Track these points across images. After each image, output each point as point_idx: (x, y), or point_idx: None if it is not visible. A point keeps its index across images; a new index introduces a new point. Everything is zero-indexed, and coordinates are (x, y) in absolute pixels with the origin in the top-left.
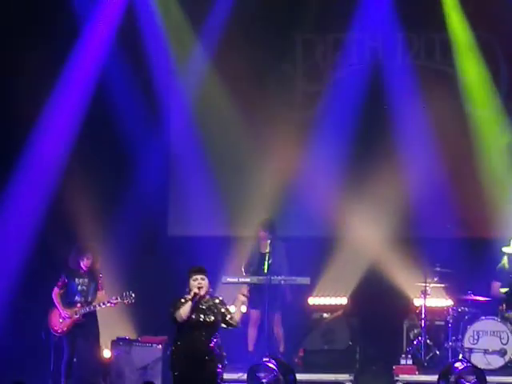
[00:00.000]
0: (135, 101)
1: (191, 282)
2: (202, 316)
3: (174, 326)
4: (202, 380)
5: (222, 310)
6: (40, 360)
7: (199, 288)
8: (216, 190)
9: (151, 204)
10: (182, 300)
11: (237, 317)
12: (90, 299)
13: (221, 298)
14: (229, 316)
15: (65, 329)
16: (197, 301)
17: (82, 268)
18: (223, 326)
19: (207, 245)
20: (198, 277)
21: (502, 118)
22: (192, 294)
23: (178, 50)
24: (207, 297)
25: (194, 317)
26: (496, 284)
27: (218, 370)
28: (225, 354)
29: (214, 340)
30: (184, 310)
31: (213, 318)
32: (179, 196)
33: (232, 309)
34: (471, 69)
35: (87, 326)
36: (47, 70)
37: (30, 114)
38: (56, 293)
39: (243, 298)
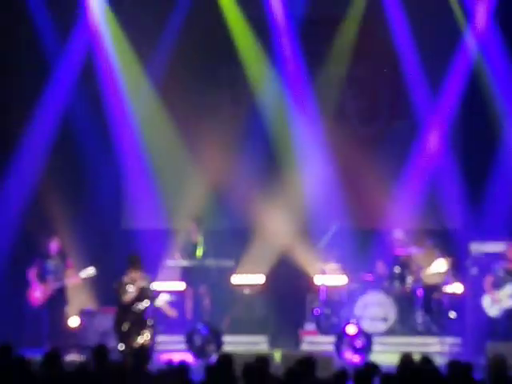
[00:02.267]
0: (94, 124)
1: (132, 275)
2: (138, 304)
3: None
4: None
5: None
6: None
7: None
8: (159, 192)
9: (110, 204)
10: (119, 286)
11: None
12: (60, 276)
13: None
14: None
15: (41, 301)
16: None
17: (52, 251)
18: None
19: (152, 235)
20: (131, 271)
21: (384, 135)
22: (136, 289)
23: (130, 81)
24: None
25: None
26: (380, 263)
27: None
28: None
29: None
30: (126, 300)
31: (145, 305)
32: (130, 197)
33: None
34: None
35: (59, 299)
36: (24, 99)
37: (14, 135)
38: (32, 272)
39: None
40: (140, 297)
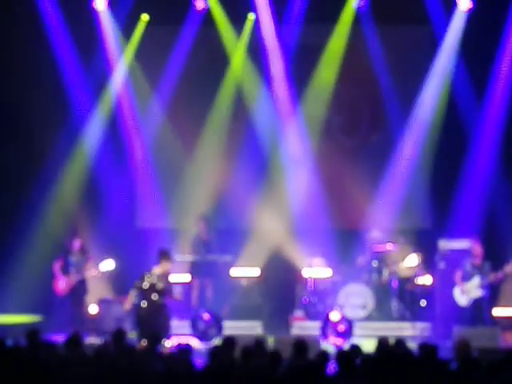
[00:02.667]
0: (109, 139)
1: (164, 263)
2: (156, 295)
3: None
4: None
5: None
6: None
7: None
8: (168, 198)
9: (126, 208)
10: (146, 274)
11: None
12: (81, 270)
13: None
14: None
15: (65, 291)
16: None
17: (74, 248)
18: None
19: (163, 233)
20: (167, 266)
21: (364, 146)
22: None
23: (141, 103)
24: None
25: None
26: (360, 258)
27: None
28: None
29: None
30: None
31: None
32: (143, 201)
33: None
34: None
35: (80, 289)
36: (48, 117)
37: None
38: (57, 266)
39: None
40: (163, 289)
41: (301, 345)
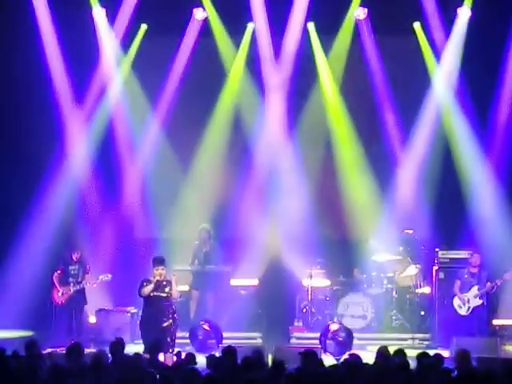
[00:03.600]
0: (108, 151)
1: (154, 270)
2: (160, 293)
3: (141, 300)
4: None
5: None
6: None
7: (160, 276)
8: (166, 208)
9: (128, 221)
10: (145, 283)
11: (174, 293)
12: (79, 280)
13: (171, 280)
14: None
15: (63, 301)
16: (158, 284)
17: (73, 259)
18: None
19: (161, 244)
20: (160, 268)
21: (362, 158)
22: (155, 280)
23: (138, 114)
24: (164, 282)
25: (155, 294)
26: (356, 270)
27: (172, 329)
28: (176, 316)
29: (171, 308)
30: (148, 290)
31: (165, 294)
32: (142, 212)
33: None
34: (340, 124)
35: (79, 299)
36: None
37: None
38: (56, 276)
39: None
40: (162, 287)
41: (309, 355)
